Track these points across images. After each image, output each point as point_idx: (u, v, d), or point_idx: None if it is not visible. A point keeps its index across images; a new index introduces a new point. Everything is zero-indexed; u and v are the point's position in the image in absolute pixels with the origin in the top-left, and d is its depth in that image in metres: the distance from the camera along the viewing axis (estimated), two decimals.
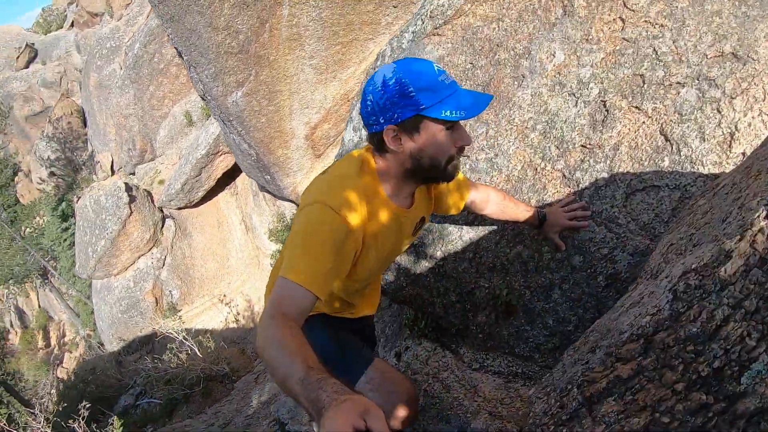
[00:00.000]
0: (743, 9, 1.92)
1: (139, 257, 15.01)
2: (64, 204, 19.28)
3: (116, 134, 15.98)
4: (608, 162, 2.06)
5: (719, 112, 1.88)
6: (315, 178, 1.48)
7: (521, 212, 1.94)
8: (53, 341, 25.37)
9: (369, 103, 1.35)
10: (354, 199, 1.35)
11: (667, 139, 1.95)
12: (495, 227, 2.29)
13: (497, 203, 1.90)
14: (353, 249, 1.37)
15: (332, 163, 1.52)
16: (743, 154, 1.82)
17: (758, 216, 1.04)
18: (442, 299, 2.52)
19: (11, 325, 28.15)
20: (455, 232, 2.40)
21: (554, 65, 2.19)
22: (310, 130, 6.43)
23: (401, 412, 1.63)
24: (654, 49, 2.05)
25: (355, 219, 1.34)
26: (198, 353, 8.01)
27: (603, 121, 2.08)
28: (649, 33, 2.07)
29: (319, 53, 5.49)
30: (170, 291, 14.96)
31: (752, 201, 1.15)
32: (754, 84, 1.84)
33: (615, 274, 2.01)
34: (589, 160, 2.10)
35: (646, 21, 2.09)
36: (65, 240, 19.04)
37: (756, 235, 1.01)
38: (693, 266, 1.14)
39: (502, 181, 2.29)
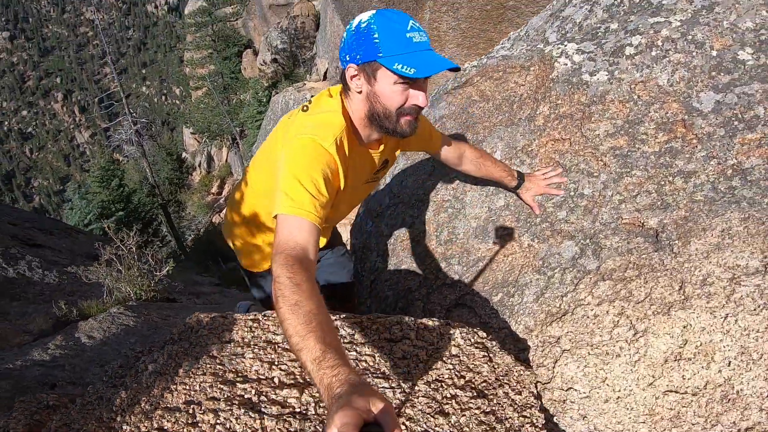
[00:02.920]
0: (724, 185, 1.66)
1: None
2: (268, 92, 21.71)
3: (338, 48, 17.37)
4: (464, 267, 1.97)
5: (574, 285, 1.65)
6: (296, 115, 1.50)
7: (498, 171, 1.93)
8: (224, 192, 29.43)
9: (343, 41, 1.41)
10: (338, 140, 1.40)
11: (515, 282, 1.78)
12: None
13: (472, 160, 1.91)
14: (337, 187, 1.42)
15: (309, 100, 1.54)
16: (557, 338, 1.60)
17: None
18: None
19: (199, 166, 33.19)
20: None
21: None
22: None
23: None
24: (576, 187, 1.84)
25: (341, 155, 1.40)
26: None
27: (485, 234, 1.96)
28: (586, 167, 1.86)
29: (459, 57, 5.64)
30: None
31: None
32: (645, 281, 1.57)
33: None
34: (453, 260, 2.04)
35: (592, 152, 1.87)
36: (257, 121, 21.60)
37: None
38: None
39: None
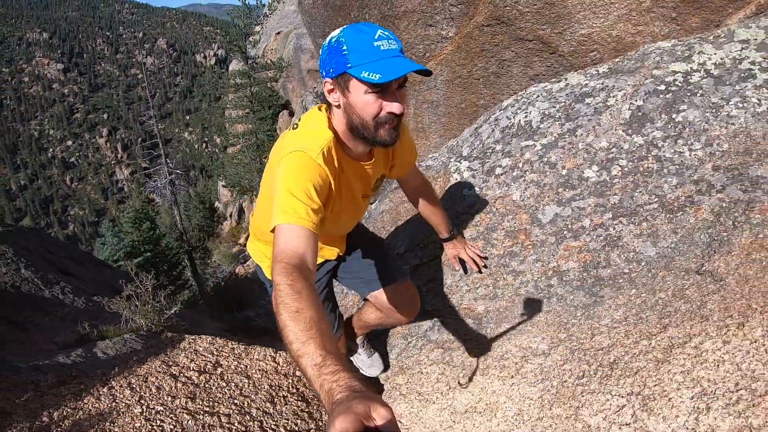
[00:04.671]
0: (544, 283, 2.14)
1: None
2: None
3: None
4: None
5: (419, 349, 2.30)
6: (287, 134, 1.59)
7: (438, 219, 2.21)
8: None
9: (321, 58, 1.47)
10: (326, 151, 1.46)
11: (390, 342, 2.32)
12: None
13: (424, 198, 2.14)
14: (328, 195, 1.47)
15: (299, 119, 1.61)
16: (400, 385, 2.19)
17: None
18: None
19: (230, 216, 34.48)
20: None
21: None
22: None
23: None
24: (444, 278, 2.40)
25: (329, 166, 1.46)
26: None
27: None
28: (451, 264, 2.42)
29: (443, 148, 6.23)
30: None
31: None
32: (463, 351, 2.12)
33: None
34: None
35: None
36: None
37: None
38: None
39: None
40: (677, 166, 2.19)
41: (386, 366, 2.47)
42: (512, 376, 1.94)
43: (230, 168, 25.94)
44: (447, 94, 5.59)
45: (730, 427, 1.46)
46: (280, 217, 1.29)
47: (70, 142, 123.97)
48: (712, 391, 1.54)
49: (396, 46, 1.36)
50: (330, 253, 2.01)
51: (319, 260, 1.95)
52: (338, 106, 1.46)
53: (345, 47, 1.35)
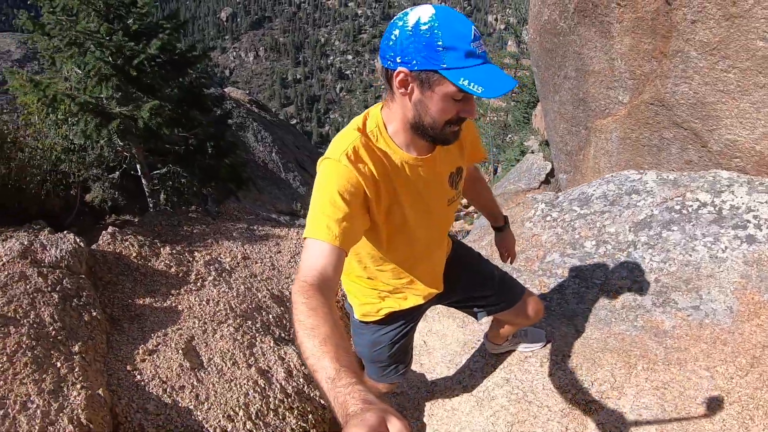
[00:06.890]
0: None
1: None
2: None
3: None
4: None
5: None
6: None
7: (488, 205, 2.18)
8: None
9: (393, 38, 1.25)
10: (351, 152, 1.34)
11: None
12: None
13: (481, 192, 2.12)
14: (362, 197, 1.35)
15: None
16: None
17: None
18: None
19: None
20: None
21: None
22: None
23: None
24: None
25: (360, 166, 1.33)
26: None
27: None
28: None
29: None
30: None
31: None
32: None
33: None
34: None
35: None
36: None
37: None
38: None
39: None
40: (633, 265, 2.84)
41: (544, 333, 2.74)
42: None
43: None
44: (619, 149, 6.25)
45: None
46: (306, 230, 1.30)
47: (350, 57, 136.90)
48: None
49: (484, 49, 1.24)
50: (418, 298, 1.86)
51: (405, 305, 1.86)
52: (405, 97, 1.31)
53: (440, 42, 1.18)
